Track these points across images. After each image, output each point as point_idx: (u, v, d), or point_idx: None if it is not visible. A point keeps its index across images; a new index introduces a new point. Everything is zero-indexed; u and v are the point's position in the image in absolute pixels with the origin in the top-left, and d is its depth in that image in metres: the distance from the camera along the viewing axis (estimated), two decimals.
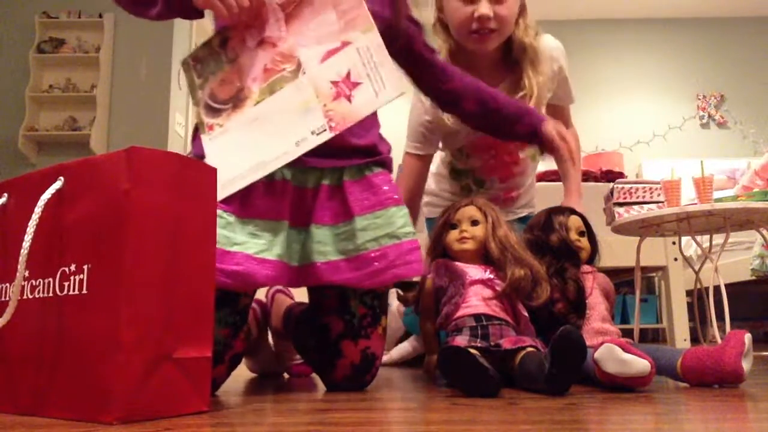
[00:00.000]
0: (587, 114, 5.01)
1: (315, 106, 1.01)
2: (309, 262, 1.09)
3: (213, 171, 0.86)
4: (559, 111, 1.77)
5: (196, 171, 0.84)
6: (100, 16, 4.47)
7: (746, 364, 1.03)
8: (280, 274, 1.06)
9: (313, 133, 1.00)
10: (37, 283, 0.81)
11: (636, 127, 5.14)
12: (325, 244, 1.09)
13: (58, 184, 0.81)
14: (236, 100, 1.06)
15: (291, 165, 1.08)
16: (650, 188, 1.88)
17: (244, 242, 1.02)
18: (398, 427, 0.73)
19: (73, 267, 0.77)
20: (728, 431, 0.68)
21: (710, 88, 5.20)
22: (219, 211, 0.95)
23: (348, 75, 1.00)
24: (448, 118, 1.58)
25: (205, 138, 1.06)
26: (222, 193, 0.95)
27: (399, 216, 1.13)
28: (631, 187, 1.88)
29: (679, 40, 5.29)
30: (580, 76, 5.21)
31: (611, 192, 1.92)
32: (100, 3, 4.46)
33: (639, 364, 0.96)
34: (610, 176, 2.64)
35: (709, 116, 5.18)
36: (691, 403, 0.89)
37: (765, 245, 2.45)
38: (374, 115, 1.20)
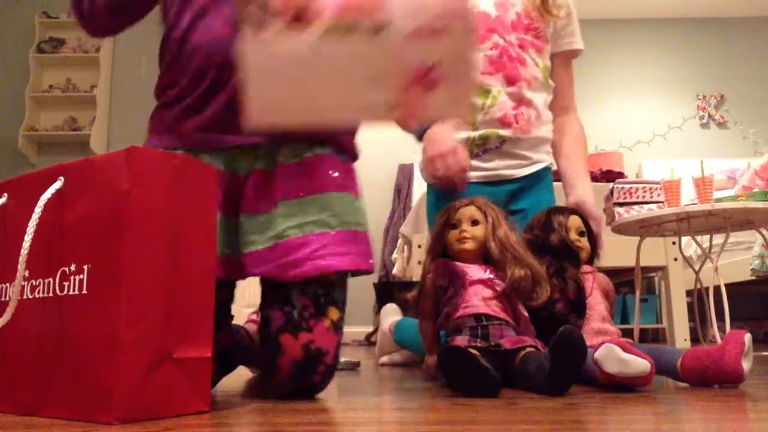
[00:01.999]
0: (587, 114, 4.99)
1: (384, 79, 0.85)
2: (238, 253, 1.02)
3: (213, 170, 0.86)
4: (564, 69, 1.72)
5: (196, 170, 0.83)
6: None
7: (746, 364, 1.03)
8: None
9: (371, 106, 0.86)
10: (38, 283, 0.81)
11: (636, 127, 5.13)
12: (251, 234, 1.01)
13: (58, 184, 0.81)
14: (298, 17, 0.84)
15: (221, 148, 1.01)
16: (650, 188, 1.88)
17: None
18: (398, 427, 0.73)
19: (73, 267, 0.77)
20: (728, 431, 0.68)
21: (710, 88, 5.20)
22: None
23: (431, 68, 0.85)
24: None
25: (245, 44, 0.83)
26: (262, 118, 0.83)
27: (340, 203, 1.02)
28: (631, 187, 1.89)
29: (679, 40, 5.29)
30: (580, 76, 5.20)
31: (611, 192, 1.92)
32: None
33: (639, 363, 0.96)
34: (610, 176, 2.65)
35: (709, 116, 5.17)
36: (691, 403, 0.89)
37: (765, 245, 2.45)
38: None
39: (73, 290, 0.77)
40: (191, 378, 0.79)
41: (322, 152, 1.04)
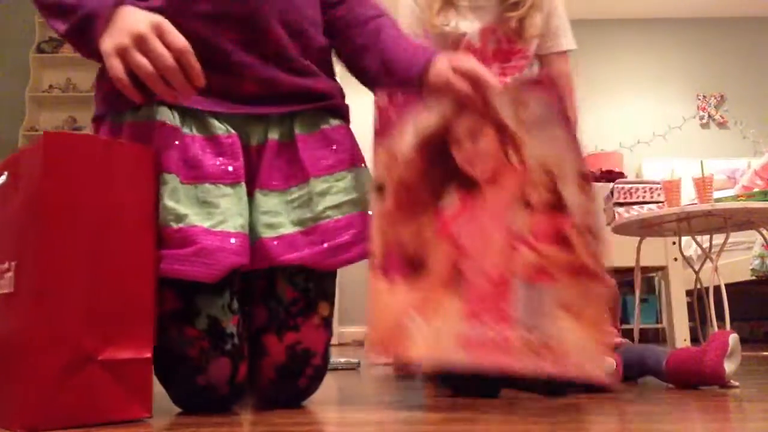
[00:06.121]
0: (587, 114, 5.00)
1: None
2: (257, 239, 0.87)
3: (148, 153, 0.79)
4: (556, 71, 1.55)
5: (125, 152, 0.77)
6: None
7: (730, 365, 1.02)
8: (244, 251, 0.84)
9: None
10: None
11: (636, 127, 5.13)
12: (275, 215, 0.88)
13: (1, 179, 0.77)
14: None
15: (229, 114, 0.89)
16: (650, 188, 1.88)
17: (193, 213, 0.82)
18: (398, 427, 0.73)
19: (6, 264, 0.73)
20: (728, 431, 0.68)
21: (710, 88, 5.19)
22: (163, 174, 0.82)
23: None
24: (442, 23, 1.43)
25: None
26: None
27: (366, 179, 0.95)
28: (631, 187, 1.89)
29: (679, 40, 5.28)
30: (580, 77, 5.20)
31: (611, 192, 1.92)
32: None
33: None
34: (610, 176, 2.65)
35: (709, 116, 5.17)
36: (690, 404, 0.89)
37: (765, 245, 2.45)
38: (326, 52, 1.00)
39: (6, 289, 0.72)
40: (125, 382, 0.72)
41: (336, 123, 0.97)
